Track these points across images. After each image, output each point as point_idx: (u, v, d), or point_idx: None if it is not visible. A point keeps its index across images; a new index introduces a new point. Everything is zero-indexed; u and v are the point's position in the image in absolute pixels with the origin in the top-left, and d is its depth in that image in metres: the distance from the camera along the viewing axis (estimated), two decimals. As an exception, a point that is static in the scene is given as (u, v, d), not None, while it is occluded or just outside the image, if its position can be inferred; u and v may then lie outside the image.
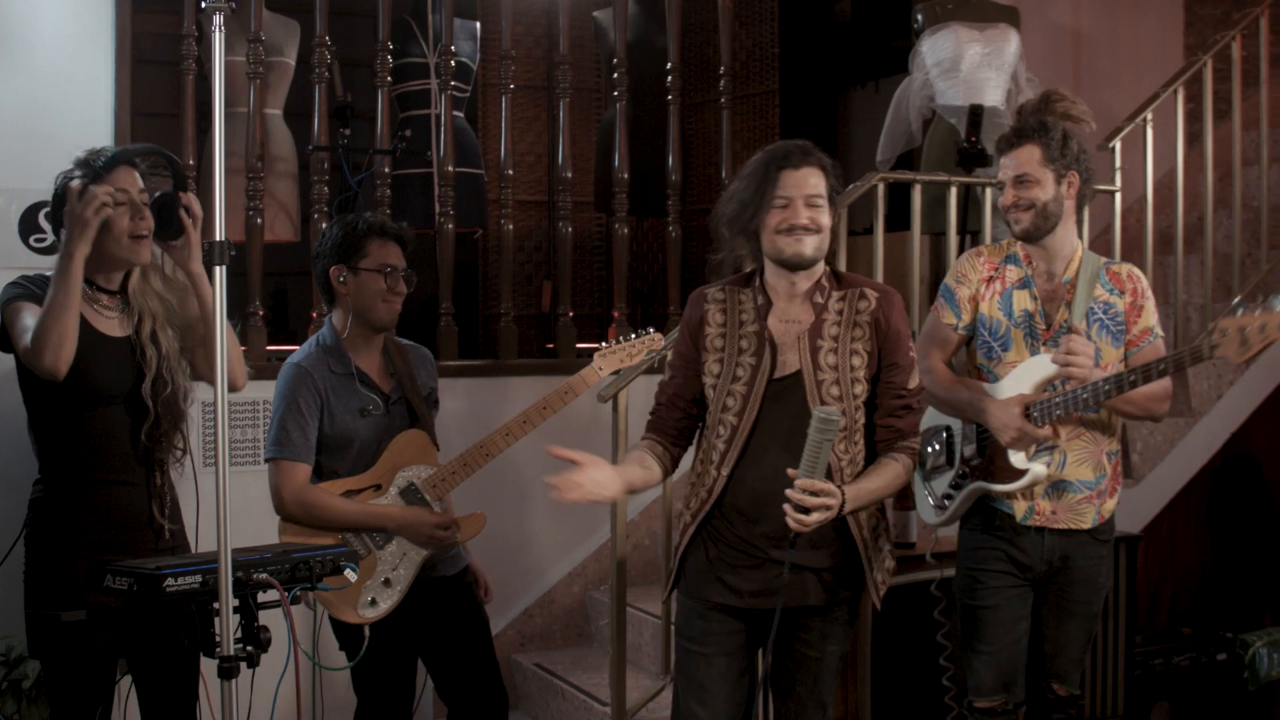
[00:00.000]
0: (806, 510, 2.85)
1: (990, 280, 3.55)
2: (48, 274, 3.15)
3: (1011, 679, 3.51)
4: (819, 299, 3.08)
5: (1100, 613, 3.56)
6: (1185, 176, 5.52)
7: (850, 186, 4.84)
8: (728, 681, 3.10)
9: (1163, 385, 3.37)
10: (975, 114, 5.44)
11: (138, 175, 3.14)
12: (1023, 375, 3.42)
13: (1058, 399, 3.33)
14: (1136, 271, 3.52)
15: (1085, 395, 3.27)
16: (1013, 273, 3.53)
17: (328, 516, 3.45)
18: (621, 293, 5.32)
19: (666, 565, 4.31)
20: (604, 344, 3.83)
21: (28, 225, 4.35)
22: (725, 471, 3.05)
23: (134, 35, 4.63)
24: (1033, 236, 3.46)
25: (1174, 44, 6.95)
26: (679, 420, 3.21)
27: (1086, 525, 3.45)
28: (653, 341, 3.81)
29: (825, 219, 3.04)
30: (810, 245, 3.02)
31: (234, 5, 2.61)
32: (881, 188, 4.83)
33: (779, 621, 3.00)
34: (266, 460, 3.49)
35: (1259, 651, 5.05)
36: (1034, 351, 3.45)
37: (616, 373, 3.88)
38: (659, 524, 4.74)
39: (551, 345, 5.67)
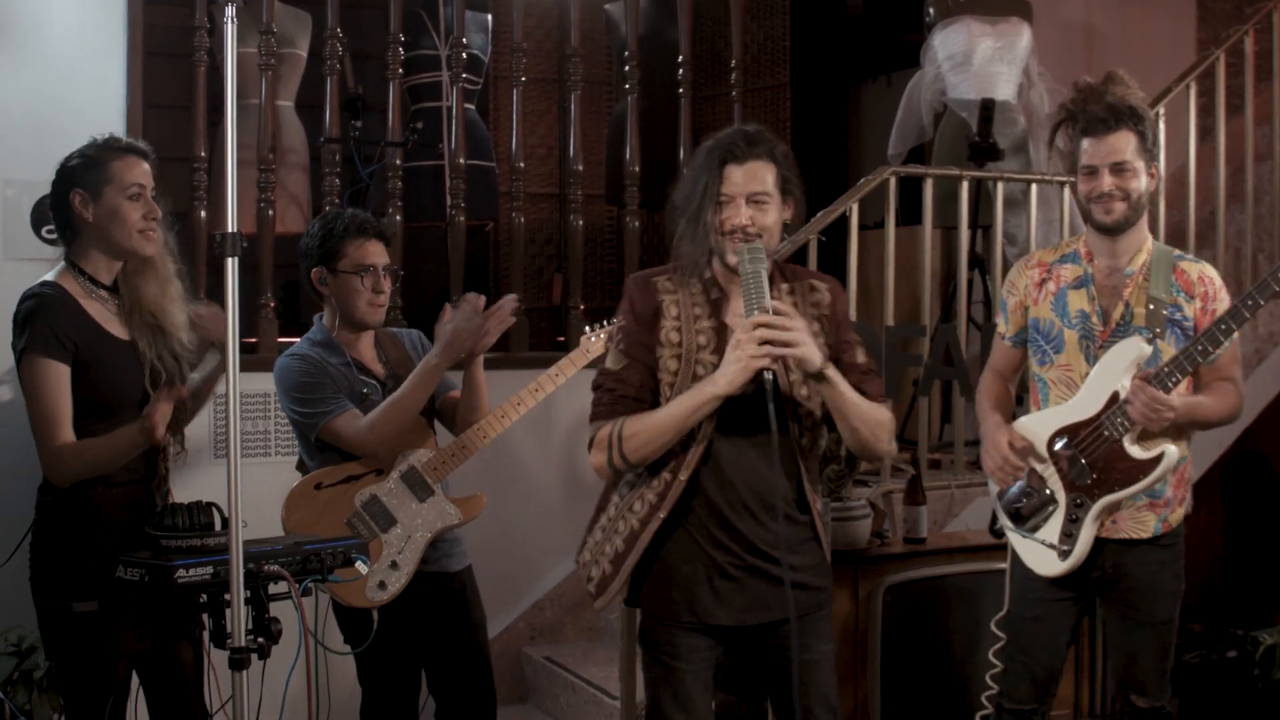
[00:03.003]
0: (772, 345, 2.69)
1: (1042, 283, 3.42)
2: (52, 280, 3.11)
3: (1045, 688, 3.48)
4: (773, 293, 2.85)
5: (1172, 619, 3.39)
6: (1197, 171, 5.50)
7: (861, 181, 4.84)
8: (708, 691, 3.00)
9: (1231, 399, 3.33)
10: (987, 108, 5.43)
11: (148, 166, 3.13)
12: (1110, 363, 3.29)
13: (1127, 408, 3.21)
14: (1209, 273, 3.34)
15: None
16: (1069, 272, 3.39)
17: (399, 411, 3.44)
18: (632, 286, 5.30)
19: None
20: (588, 329, 3.81)
21: (39, 217, 4.36)
22: (684, 477, 2.85)
23: (145, 27, 4.63)
24: (1122, 228, 3.29)
25: (1186, 38, 6.93)
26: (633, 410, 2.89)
27: (1148, 534, 3.34)
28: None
29: (769, 217, 2.84)
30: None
31: (246, -3, 2.62)
32: (893, 182, 4.83)
33: (763, 636, 2.95)
34: (317, 438, 3.49)
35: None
36: (1088, 355, 3.32)
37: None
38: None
39: (562, 338, 5.67)
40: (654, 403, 2.89)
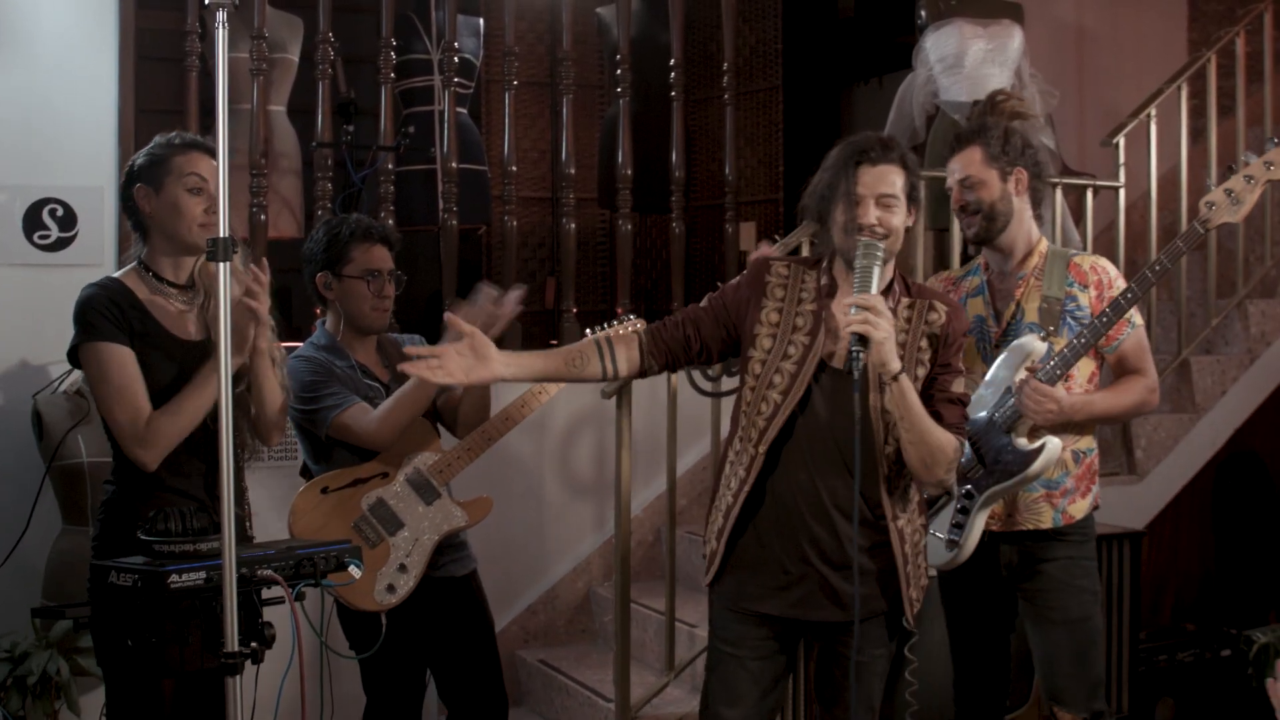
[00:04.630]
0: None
1: None
2: (116, 276, 3.07)
3: (992, 683, 3.50)
4: (888, 302, 2.91)
5: (1090, 619, 3.36)
6: (1189, 173, 5.51)
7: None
8: (759, 687, 3.03)
9: (1137, 392, 3.35)
10: (979, 110, 5.43)
11: (213, 162, 3.05)
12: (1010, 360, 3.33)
13: (1011, 401, 3.26)
14: (1102, 263, 3.43)
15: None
16: (970, 283, 3.48)
17: (406, 405, 3.46)
18: (625, 289, 5.32)
19: (671, 561, 4.31)
20: (588, 332, 3.81)
21: (31, 222, 4.35)
22: (763, 450, 2.94)
23: (137, 32, 4.63)
24: (984, 238, 3.39)
25: (1178, 40, 6.94)
26: (678, 339, 3.06)
27: (1047, 525, 3.33)
28: (635, 327, 3.78)
29: (897, 220, 2.93)
30: None
31: (237, 2, 2.61)
32: (885, 184, 4.82)
33: (819, 629, 2.99)
34: (328, 435, 3.50)
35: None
36: (985, 356, 3.37)
37: None
38: (663, 520, 4.75)
39: (555, 342, 5.67)
40: (697, 344, 3.06)
